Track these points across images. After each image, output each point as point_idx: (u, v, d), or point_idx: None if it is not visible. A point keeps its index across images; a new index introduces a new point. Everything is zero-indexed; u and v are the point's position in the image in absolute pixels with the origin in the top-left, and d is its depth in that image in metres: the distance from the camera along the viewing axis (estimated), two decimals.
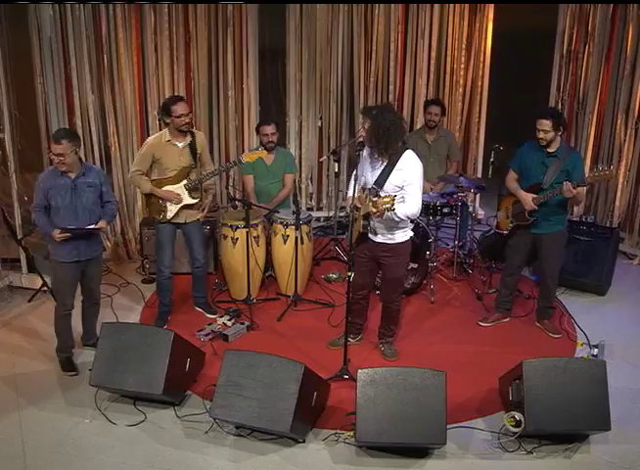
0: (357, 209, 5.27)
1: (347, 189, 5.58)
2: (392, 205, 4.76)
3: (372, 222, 5.30)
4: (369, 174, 5.31)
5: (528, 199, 5.86)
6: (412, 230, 6.63)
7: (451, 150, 8.04)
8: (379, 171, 5.22)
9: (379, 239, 5.40)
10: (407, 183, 5.16)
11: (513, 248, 6.23)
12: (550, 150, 5.77)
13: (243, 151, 8.35)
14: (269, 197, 7.20)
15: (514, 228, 6.14)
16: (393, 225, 5.30)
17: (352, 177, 5.25)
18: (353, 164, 5.40)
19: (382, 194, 5.06)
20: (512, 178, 6.13)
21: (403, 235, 5.42)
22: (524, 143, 5.99)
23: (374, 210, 4.88)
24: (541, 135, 5.69)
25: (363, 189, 5.34)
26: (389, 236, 5.38)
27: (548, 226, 5.93)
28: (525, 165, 5.98)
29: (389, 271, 5.56)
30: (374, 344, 6.03)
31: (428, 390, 4.56)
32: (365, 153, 5.31)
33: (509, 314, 6.56)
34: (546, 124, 5.63)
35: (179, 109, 5.76)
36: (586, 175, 5.52)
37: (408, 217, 5.22)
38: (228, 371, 4.76)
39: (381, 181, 5.19)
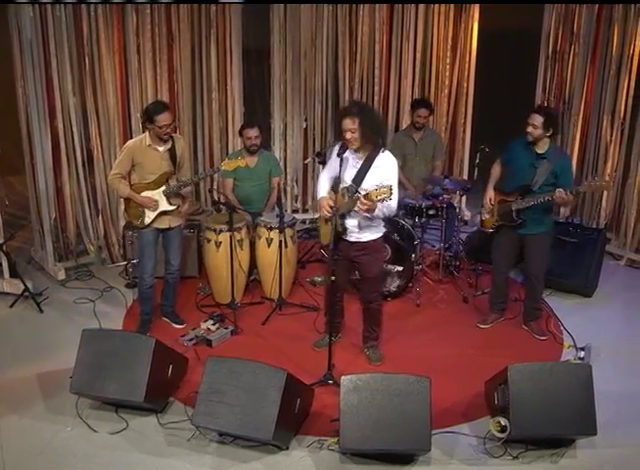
0: (332, 208, 5.27)
1: (318, 191, 5.55)
2: (390, 194, 4.80)
3: (345, 222, 5.30)
4: (345, 173, 5.28)
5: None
6: (397, 233, 6.64)
7: (436, 149, 7.99)
8: (355, 170, 5.24)
9: (352, 238, 5.39)
10: (386, 179, 5.12)
11: (499, 248, 6.23)
12: (539, 151, 5.76)
13: (227, 153, 8.32)
14: (250, 199, 7.15)
15: (498, 227, 6.12)
16: (368, 224, 5.32)
17: (323, 179, 5.38)
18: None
19: (362, 192, 5.09)
20: (494, 168, 6.25)
21: (376, 232, 5.46)
22: (516, 139, 5.96)
23: (367, 202, 4.90)
24: (529, 129, 5.68)
25: (333, 190, 5.37)
26: (364, 234, 5.39)
27: (534, 227, 5.91)
28: (515, 165, 5.98)
29: (366, 270, 5.56)
30: (358, 347, 5.99)
31: (412, 396, 4.51)
32: (336, 153, 5.29)
33: (503, 314, 6.55)
34: (537, 119, 5.62)
35: (163, 119, 5.64)
36: (584, 183, 5.51)
37: (389, 213, 5.28)
38: (210, 378, 4.70)
39: (358, 179, 5.21)
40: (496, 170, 6.25)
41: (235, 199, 7.13)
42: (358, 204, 5.00)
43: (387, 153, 5.28)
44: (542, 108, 5.78)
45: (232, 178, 7.12)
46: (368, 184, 5.16)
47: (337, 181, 5.20)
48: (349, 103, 5.37)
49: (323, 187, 5.46)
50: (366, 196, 4.91)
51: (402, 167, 7.72)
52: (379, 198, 4.83)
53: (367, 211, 5.04)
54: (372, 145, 5.20)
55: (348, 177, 5.26)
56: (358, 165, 5.24)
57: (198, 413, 4.66)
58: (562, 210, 8.41)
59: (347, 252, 5.46)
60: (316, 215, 8.79)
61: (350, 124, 5.10)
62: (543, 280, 6.27)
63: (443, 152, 8.35)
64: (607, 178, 5.38)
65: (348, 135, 5.14)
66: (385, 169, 5.20)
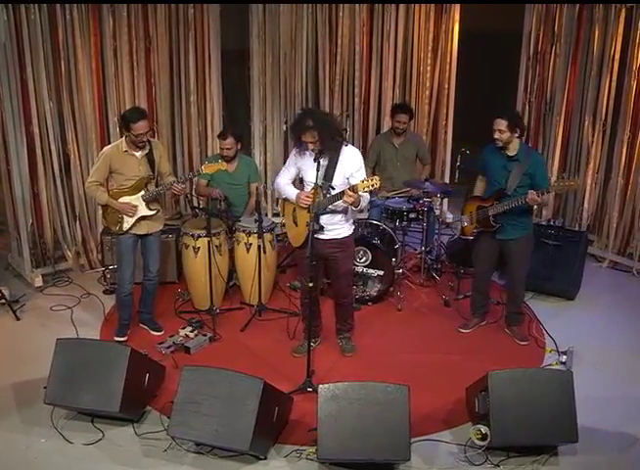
0: (304, 209, 5.36)
1: (288, 194, 5.58)
2: (375, 184, 4.94)
3: (321, 220, 5.32)
4: (311, 173, 5.29)
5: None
6: (378, 236, 6.59)
7: (421, 154, 7.96)
8: (322, 168, 5.25)
9: (326, 236, 5.39)
10: (355, 170, 5.28)
11: (479, 254, 6.18)
12: (510, 153, 5.72)
13: (206, 156, 8.22)
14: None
15: (478, 234, 6.07)
16: (340, 219, 5.43)
17: (285, 184, 5.53)
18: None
19: (335, 187, 5.21)
20: (477, 185, 6.25)
21: (349, 228, 5.58)
22: (486, 146, 5.94)
23: (354, 194, 4.99)
24: (497, 135, 5.65)
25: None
26: (338, 231, 5.46)
27: (514, 231, 5.86)
28: (489, 171, 5.95)
29: (341, 266, 5.62)
30: (338, 353, 5.96)
31: (390, 405, 4.45)
32: (297, 153, 5.43)
33: (485, 317, 6.51)
34: (502, 124, 5.60)
35: (139, 128, 5.59)
36: (551, 183, 5.48)
37: (365, 204, 5.47)
38: (185, 388, 4.63)
39: (329, 176, 5.26)
40: (478, 187, 6.23)
41: (212, 191, 6.95)
42: (345, 197, 5.05)
43: (349, 146, 5.40)
44: (504, 111, 5.74)
45: (207, 179, 7.05)
46: (338, 179, 5.27)
47: (317, 184, 5.22)
48: (301, 115, 5.33)
49: (291, 188, 5.55)
50: (352, 188, 5.00)
51: (382, 172, 7.67)
52: (365, 190, 4.98)
53: (353, 203, 5.12)
54: (334, 146, 5.27)
55: (314, 177, 5.26)
56: (324, 163, 5.26)
57: (173, 424, 4.59)
58: (544, 212, 8.39)
59: (322, 249, 5.43)
60: None
61: (310, 138, 5.18)
62: (525, 285, 6.23)
63: (428, 155, 8.29)
64: (576, 178, 5.32)
65: (311, 146, 5.23)
66: (350, 161, 5.30)
